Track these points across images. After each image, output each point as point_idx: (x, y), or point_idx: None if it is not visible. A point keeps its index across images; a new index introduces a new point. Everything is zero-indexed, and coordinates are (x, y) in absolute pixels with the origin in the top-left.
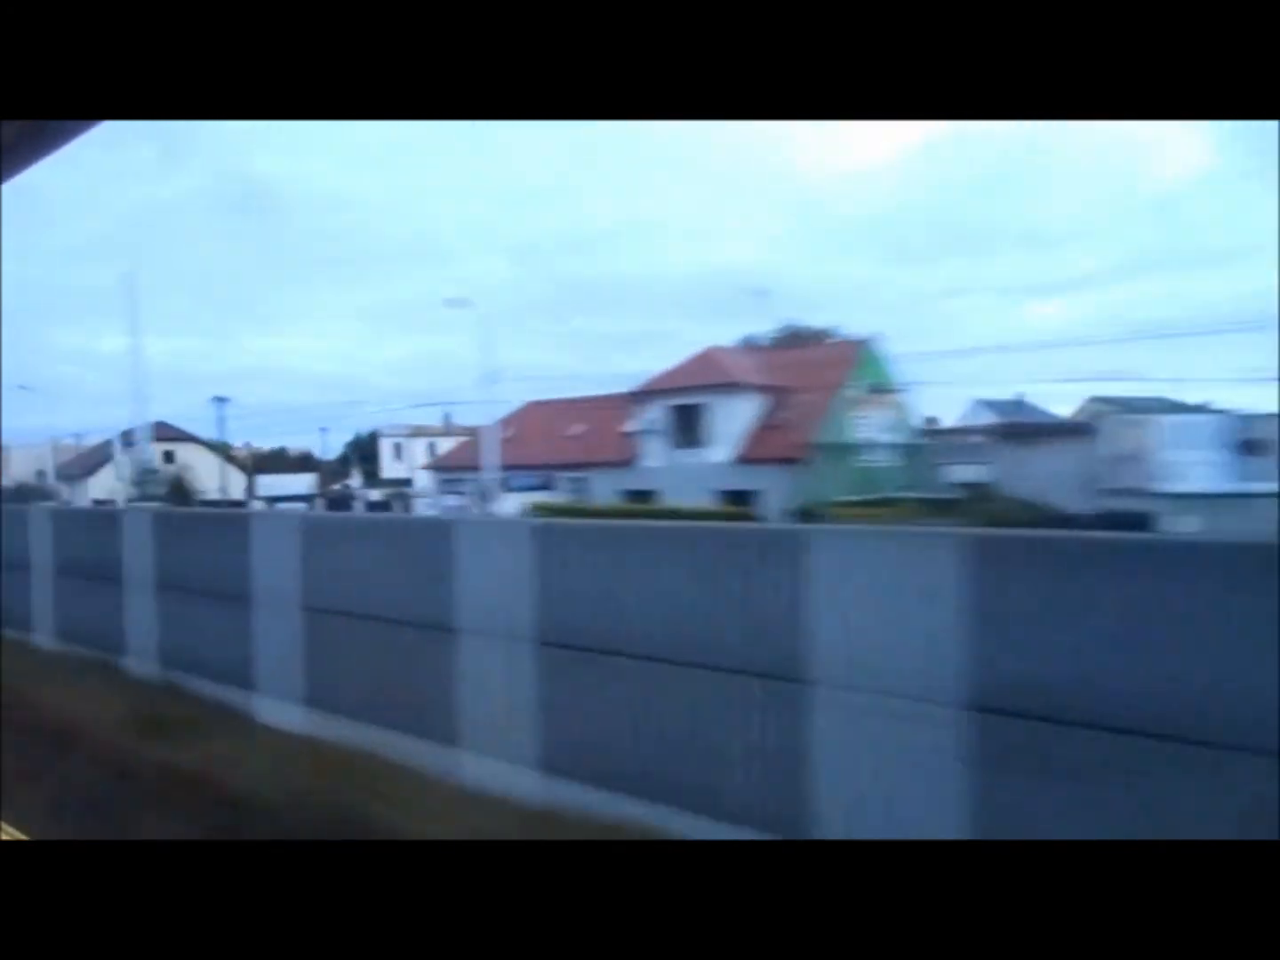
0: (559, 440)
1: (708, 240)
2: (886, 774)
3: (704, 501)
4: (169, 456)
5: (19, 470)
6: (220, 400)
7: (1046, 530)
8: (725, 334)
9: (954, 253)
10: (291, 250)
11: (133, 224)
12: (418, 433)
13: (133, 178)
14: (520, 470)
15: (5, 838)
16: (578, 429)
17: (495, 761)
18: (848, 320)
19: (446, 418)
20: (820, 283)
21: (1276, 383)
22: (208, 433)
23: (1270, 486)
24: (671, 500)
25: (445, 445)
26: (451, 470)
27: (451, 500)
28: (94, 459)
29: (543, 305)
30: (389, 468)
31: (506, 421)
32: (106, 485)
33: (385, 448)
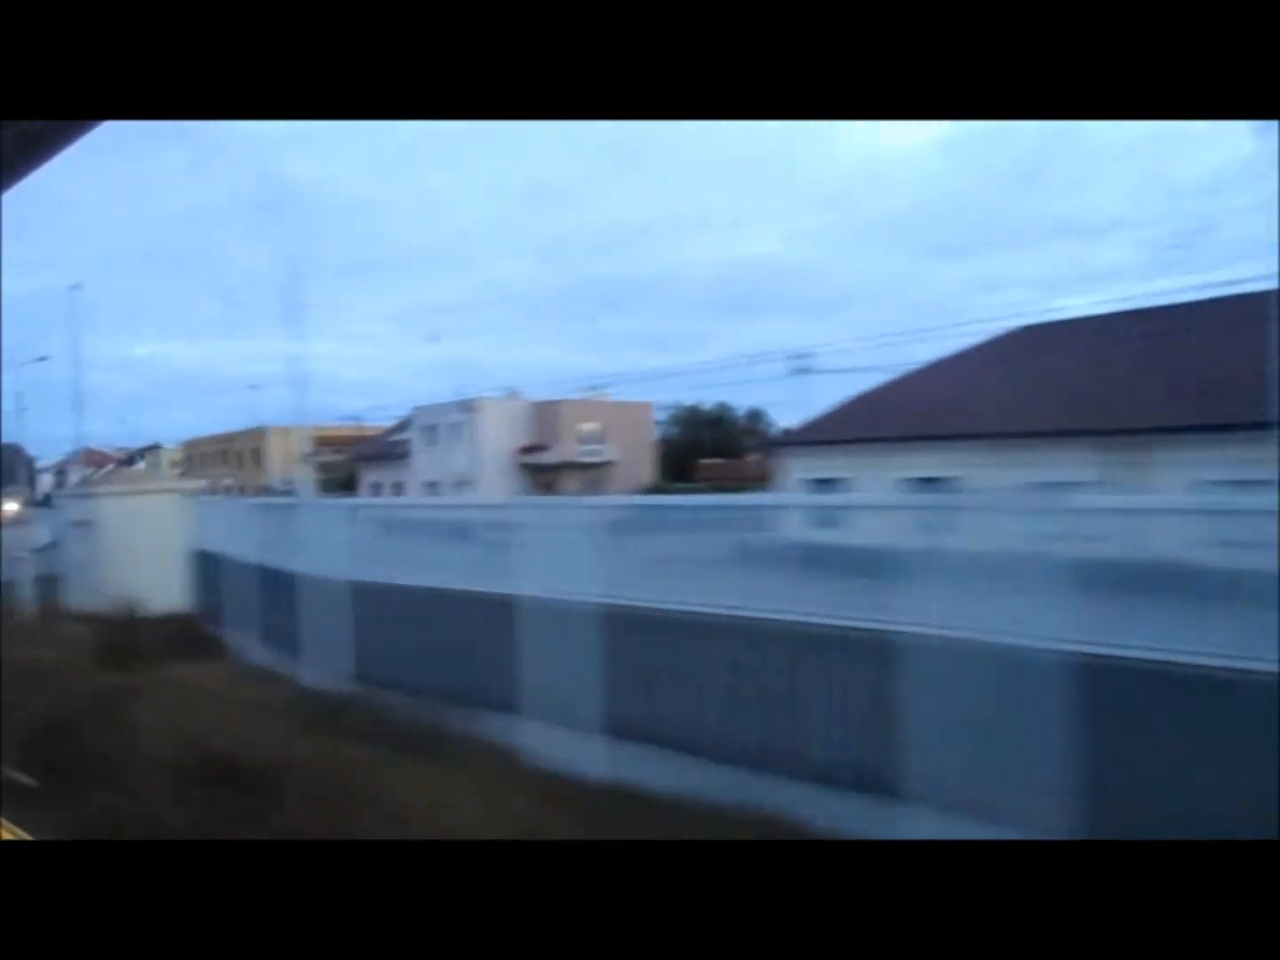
0: None
1: (737, 236)
2: None
3: None
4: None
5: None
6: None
7: None
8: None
9: (991, 245)
10: (318, 254)
11: (163, 229)
12: None
13: (163, 182)
14: None
15: (6, 837)
16: None
17: None
18: None
19: None
20: (854, 277)
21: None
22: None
23: None
24: None
25: None
26: None
27: None
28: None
29: (570, 305)
30: None
31: None
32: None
33: None
